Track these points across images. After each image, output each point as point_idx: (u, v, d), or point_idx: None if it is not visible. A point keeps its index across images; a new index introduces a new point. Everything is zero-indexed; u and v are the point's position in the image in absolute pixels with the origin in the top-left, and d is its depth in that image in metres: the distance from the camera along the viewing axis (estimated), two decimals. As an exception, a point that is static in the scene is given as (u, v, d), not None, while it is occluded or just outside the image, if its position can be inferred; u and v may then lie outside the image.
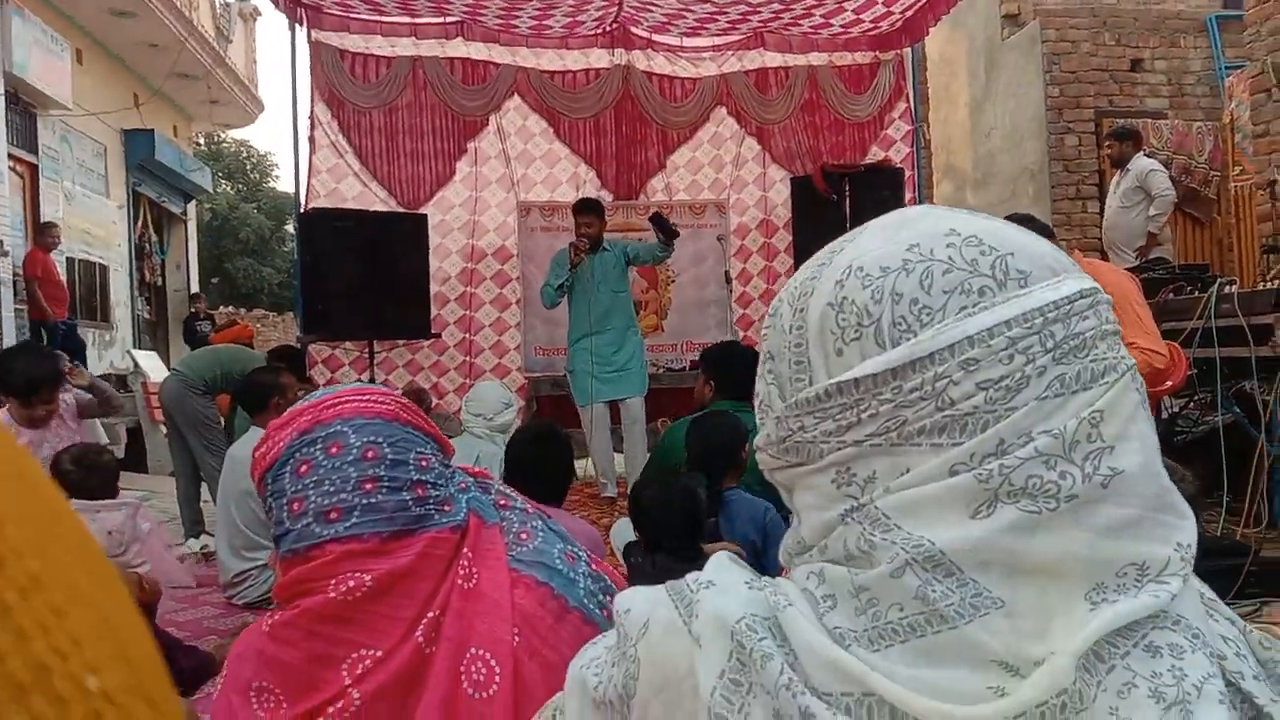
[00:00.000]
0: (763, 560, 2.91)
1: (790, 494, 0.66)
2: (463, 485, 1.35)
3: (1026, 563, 0.55)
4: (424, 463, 1.28)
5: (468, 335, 8.00)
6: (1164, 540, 0.56)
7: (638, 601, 0.67)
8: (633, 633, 0.65)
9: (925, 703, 0.53)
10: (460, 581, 1.25)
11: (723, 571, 0.65)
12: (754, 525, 2.95)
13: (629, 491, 2.80)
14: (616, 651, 0.66)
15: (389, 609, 1.20)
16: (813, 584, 0.61)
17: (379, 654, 1.19)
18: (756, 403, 0.68)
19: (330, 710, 1.17)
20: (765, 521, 2.97)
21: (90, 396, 4.52)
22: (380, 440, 1.25)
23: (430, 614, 1.21)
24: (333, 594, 1.19)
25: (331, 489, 1.21)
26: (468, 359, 7.98)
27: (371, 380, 6.93)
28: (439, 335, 7.71)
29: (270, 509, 1.27)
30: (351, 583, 1.19)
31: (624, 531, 3.57)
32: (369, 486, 1.22)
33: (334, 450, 1.23)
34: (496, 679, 1.19)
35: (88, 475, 3.26)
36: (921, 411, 0.57)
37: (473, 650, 1.21)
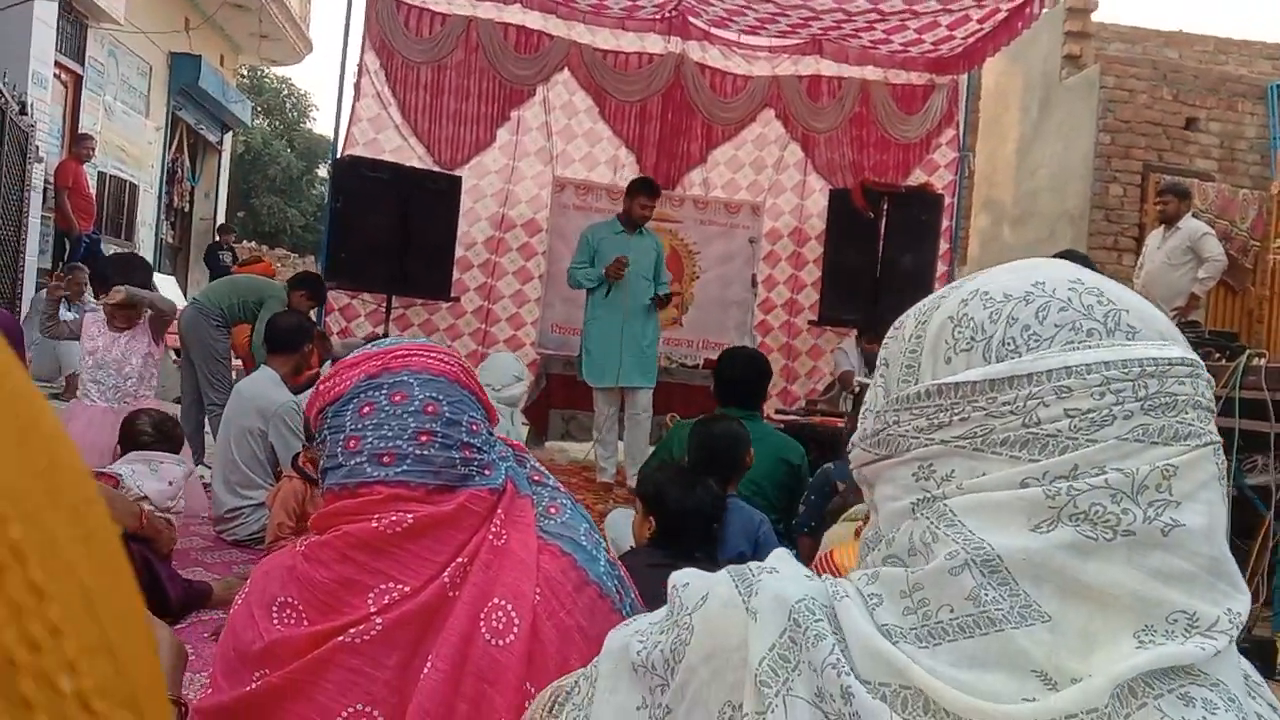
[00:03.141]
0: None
1: (872, 489, 0.71)
2: (502, 454, 1.41)
3: (1077, 584, 0.58)
4: (474, 427, 1.34)
5: (486, 303, 7.97)
6: (1215, 602, 0.58)
7: (695, 578, 0.71)
8: (689, 603, 0.69)
9: (959, 697, 0.57)
10: (491, 538, 1.30)
11: (784, 562, 0.71)
12: (746, 536, 2.92)
13: (637, 483, 2.76)
14: (667, 621, 0.70)
15: (423, 550, 1.26)
16: (864, 583, 0.65)
17: (406, 589, 1.24)
18: (862, 408, 0.73)
19: (351, 632, 1.22)
20: (758, 533, 2.95)
21: (150, 313, 4.60)
22: (441, 398, 1.32)
23: (459, 560, 1.27)
24: (375, 525, 1.24)
25: (389, 434, 1.27)
26: (483, 326, 7.96)
27: (385, 334, 6.91)
28: (458, 299, 7.69)
29: (324, 441, 1.32)
30: (393, 517, 1.24)
31: (619, 522, 3.54)
32: (424, 439, 1.28)
33: (397, 399, 1.29)
34: (515, 630, 1.24)
35: (159, 440, 3.35)
36: (1009, 424, 0.61)
37: (495, 600, 1.26)
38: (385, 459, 1.26)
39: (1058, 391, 0.60)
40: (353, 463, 1.27)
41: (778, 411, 6.56)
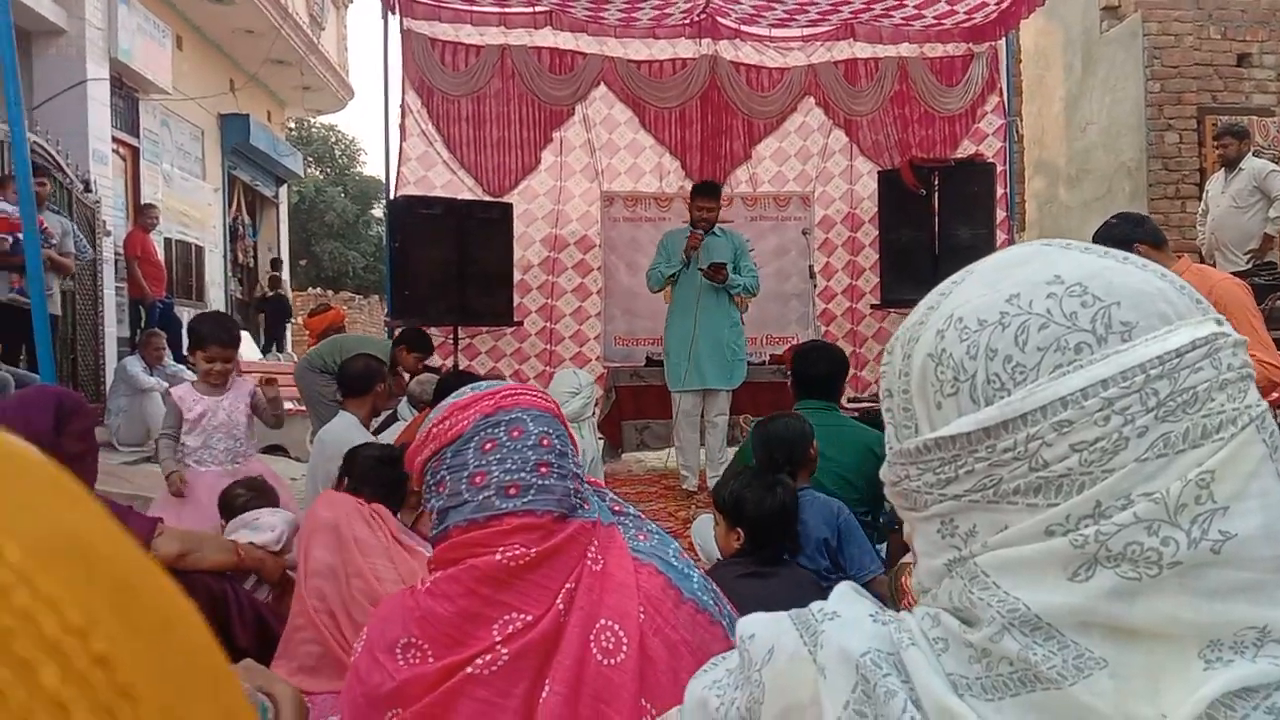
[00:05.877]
0: (839, 558, 2.89)
1: (912, 534, 0.67)
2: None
3: (1128, 626, 0.54)
4: (576, 460, 1.42)
5: (549, 323, 8.07)
6: None
7: (761, 628, 0.68)
8: (757, 658, 0.66)
9: None
10: (589, 563, 1.35)
11: (847, 603, 0.66)
12: (828, 524, 2.93)
13: (713, 489, 2.78)
14: (740, 675, 0.68)
15: (541, 578, 1.32)
16: (927, 625, 0.62)
17: (528, 618, 1.29)
18: (886, 437, 0.69)
19: (478, 663, 1.27)
20: (839, 521, 2.95)
21: (261, 397, 4.42)
22: (551, 432, 1.39)
23: (568, 586, 1.32)
24: (499, 558, 1.30)
25: (513, 467, 1.34)
26: (548, 347, 8.05)
27: (455, 365, 7.03)
28: (521, 323, 7.79)
29: (443, 481, 1.37)
30: (517, 550, 1.30)
31: (704, 527, 3.56)
32: (544, 470, 1.35)
33: (516, 434, 1.36)
34: (624, 649, 1.28)
35: (255, 498, 3.42)
36: (1015, 471, 0.56)
37: (602, 621, 1.31)
38: (511, 490, 1.32)
39: (1057, 427, 0.55)
40: (480, 497, 1.32)
41: (850, 400, 6.53)
